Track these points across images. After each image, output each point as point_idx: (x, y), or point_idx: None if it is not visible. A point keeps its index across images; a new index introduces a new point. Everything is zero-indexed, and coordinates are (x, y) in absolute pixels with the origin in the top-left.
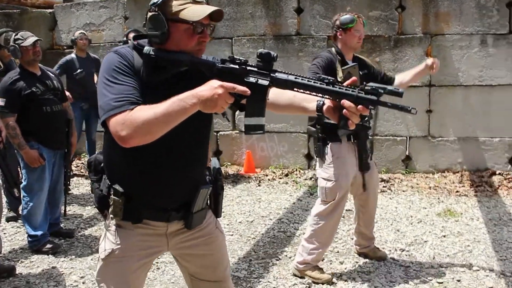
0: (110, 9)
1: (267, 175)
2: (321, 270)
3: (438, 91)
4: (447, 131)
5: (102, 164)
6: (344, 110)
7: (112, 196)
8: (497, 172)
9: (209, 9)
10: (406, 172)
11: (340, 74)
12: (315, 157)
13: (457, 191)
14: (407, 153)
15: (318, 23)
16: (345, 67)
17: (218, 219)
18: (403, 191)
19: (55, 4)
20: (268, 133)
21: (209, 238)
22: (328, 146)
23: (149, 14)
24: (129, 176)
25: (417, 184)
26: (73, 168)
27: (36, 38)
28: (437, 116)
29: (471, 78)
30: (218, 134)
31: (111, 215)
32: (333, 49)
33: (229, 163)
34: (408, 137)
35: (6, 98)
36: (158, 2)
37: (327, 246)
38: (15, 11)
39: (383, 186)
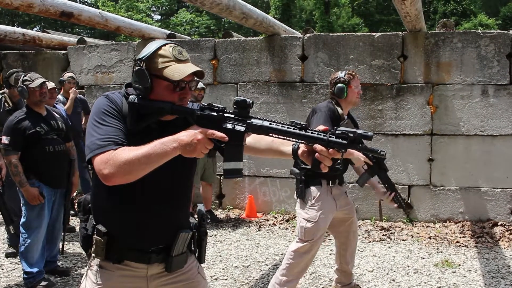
0: (121, 52)
1: (268, 220)
2: None
3: (439, 140)
4: (449, 180)
5: (90, 205)
6: (316, 154)
7: (95, 236)
8: (499, 223)
9: (191, 69)
10: (407, 221)
11: None
12: (295, 197)
13: (457, 242)
14: (408, 201)
15: (322, 70)
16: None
17: (202, 264)
18: (403, 240)
19: (69, 45)
20: (270, 178)
21: (190, 283)
22: (310, 188)
23: (135, 68)
24: (111, 217)
25: (417, 233)
26: (76, 206)
27: (43, 80)
28: (438, 165)
29: (473, 128)
30: (221, 178)
31: (93, 255)
32: (333, 102)
33: (231, 207)
34: (409, 186)
35: (10, 136)
36: (143, 58)
37: (299, 279)
38: (30, 51)
39: (383, 235)
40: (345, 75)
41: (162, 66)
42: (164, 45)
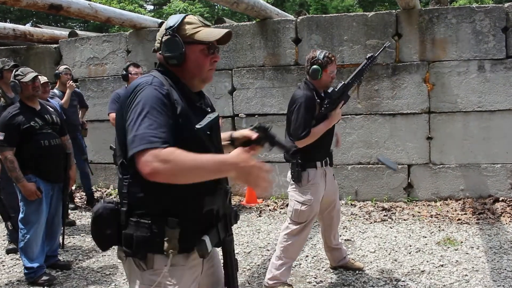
0: (113, 43)
1: (268, 206)
2: (290, 286)
3: (437, 118)
4: (448, 158)
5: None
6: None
7: (167, 228)
8: (500, 199)
9: (223, 30)
10: (408, 201)
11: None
12: (290, 181)
13: (458, 219)
14: (408, 181)
15: None
16: None
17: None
18: (404, 219)
19: (60, 39)
20: (269, 163)
21: (218, 266)
22: (306, 171)
23: (165, 37)
24: (178, 204)
25: (419, 212)
26: (76, 200)
27: (36, 74)
28: (437, 143)
29: (470, 104)
30: None
31: (170, 251)
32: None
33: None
34: (409, 165)
35: (5, 132)
36: (174, 27)
37: (293, 261)
38: (21, 46)
39: (384, 215)
40: (323, 57)
41: (192, 31)
42: (187, 15)
